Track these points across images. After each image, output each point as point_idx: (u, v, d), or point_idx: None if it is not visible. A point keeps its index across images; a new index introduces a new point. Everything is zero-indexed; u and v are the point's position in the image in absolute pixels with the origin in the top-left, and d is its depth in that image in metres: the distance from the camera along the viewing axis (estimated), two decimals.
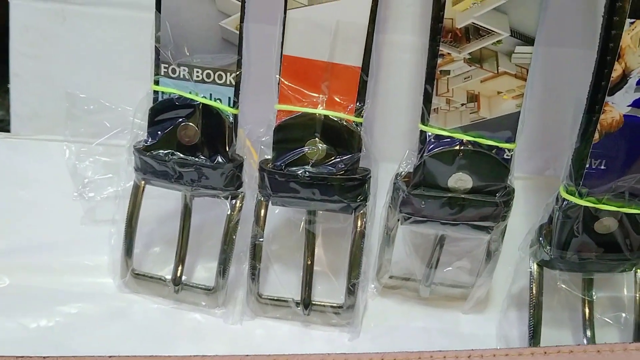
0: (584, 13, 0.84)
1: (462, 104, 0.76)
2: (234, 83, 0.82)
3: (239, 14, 0.79)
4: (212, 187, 0.85)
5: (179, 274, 0.89)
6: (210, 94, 0.83)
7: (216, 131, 0.83)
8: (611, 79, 0.69)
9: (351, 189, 0.81)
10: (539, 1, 0.71)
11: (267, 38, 0.81)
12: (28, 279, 0.90)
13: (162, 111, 0.84)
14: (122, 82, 0.96)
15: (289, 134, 0.81)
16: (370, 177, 0.82)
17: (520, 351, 0.69)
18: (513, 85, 0.75)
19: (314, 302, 0.87)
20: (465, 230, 0.81)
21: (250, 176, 0.86)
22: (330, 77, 0.79)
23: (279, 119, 0.81)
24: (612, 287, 0.87)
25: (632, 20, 0.67)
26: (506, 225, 0.81)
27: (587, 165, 0.74)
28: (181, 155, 0.84)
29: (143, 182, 0.87)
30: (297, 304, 0.87)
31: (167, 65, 0.83)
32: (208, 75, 0.82)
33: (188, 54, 0.82)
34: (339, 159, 0.81)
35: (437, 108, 0.77)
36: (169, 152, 0.84)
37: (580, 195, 0.75)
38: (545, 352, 0.69)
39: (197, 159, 0.84)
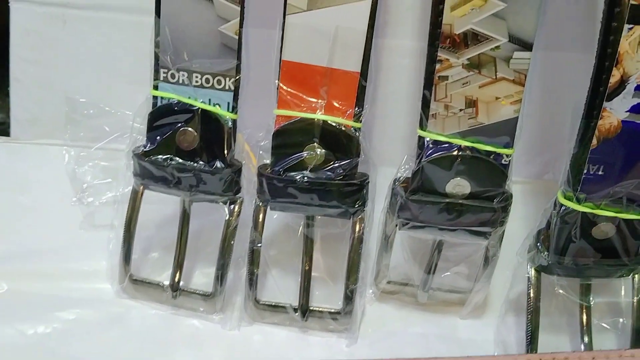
0: (583, 17, 0.84)
1: (461, 110, 0.76)
2: (233, 88, 0.82)
3: (238, 19, 0.79)
4: (211, 192, 0.85)
5: (177, 280, 0.89)
6: (209, 99, 0.83)
7: (215, 136, 0.83)
8: (609, 84, 0.70)
9: (349, 194, 0.81)
10: (537, 7, 0.72)
11: (266, 43, 0.81)
12: (26, 284, 0.90)
13: (161, 116, 0.84)
14: (121, 87, 0.97)
15: (288, 139, 0.81)
16: (368, 182, 0.82)
17: (516, 357, 0.69)
18: (511, 91, 0.75)
19: (311, 308, 0.87)
20: (463, 235, 0.81)
21: (249, 181, 0.86)
22: (329, 82, 0.80)
23: (278, 124, 0.81)
24: (609, 293, 0.86)
25: (631, 26, 0.67)
26: (504, 230, 0.81)
27: (585, 171, 0.74)
28: (180, 160, 0.84)
29: (142, 187, 0.87)
30: (295, 309, 0.87)
31: (166, 70, 0.83)
32: (207, 80, 0.82)
33: (187, 59, 0.82)
34: (337, 164, 0.81)
35: (436, 113, 0.77)
36: (168, 157, 0.84)
37: (578, 201, 0.75)
38: (541, 359, 0.69)
39: (195, 164, 0.84)
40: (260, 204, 0.84)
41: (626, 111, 0.71)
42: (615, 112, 0.71)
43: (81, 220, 0.96)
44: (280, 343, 0.87)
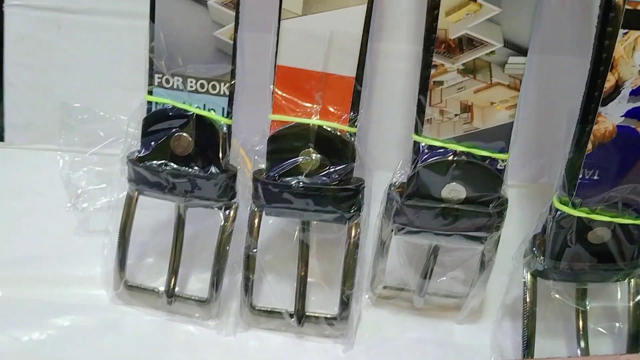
0: (578, 21, 0.84)
1: (456, 115, 0.76)
2: (227, 93, 0.82)
3: (233, 24, 0.79)
4: (206, 197, 0.85)
5: (172, 286, 0.89)
6: (204, 104, 0.83)
7: (210, 141, 0.83)
8: (604, 89, 0.70)
9: (345, 199, 0.81)
10: (532, 12, 0.72)
11: (261, 48, 0.81)
12: (20, 291, 0.90)
13: (155, 121, 0.84)
14: (116, 91, 0.97)
15: (283, 144, 0.81)
16: (364, 187, 0.82)
17: None
18: (506, 96, 0.75)
19: (307, 313, 0.87)
20: (459, 240, 0.81)
21: (244, 185, 0.86)
22: (324, 87, 0.80)
23: (273, 129, 0.81)
24: (606, 297, 0.86)
25: (625, 30, 0.67)
26: (500, 235, 0.81)
27: (581, 176, 0.74)
28: (175, 165, 0.84)
29: (136, 192, 0.87)
30: (291, 315, 0.87)
31: (160, 76, 0.83)
32: (202, 86, 0.82)
33: (182, 64, 0.82)
34: (332, 169, 0.81)
35: (431, 118, 0.77)
36: (163, 163, 0.84)
37: (574, 206, 0.75)
38: None
39: (190, 170, 0.84)
40: (256, 209, 0.84)
41: (621, 116, 0.71)
42: (610, 117, 0.71)
43: (76, 226, 0.95)
44: (276, 349, 0.87)
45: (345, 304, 0.84)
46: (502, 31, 0.72)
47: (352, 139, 0.80)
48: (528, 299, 0.81)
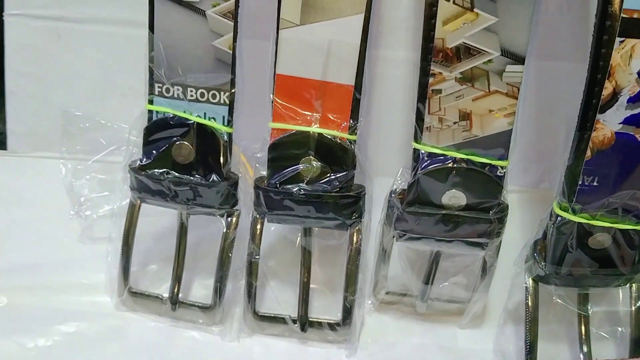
0: (576, 27, 0.84)
1: (455, 122, 0.76)
2: (227, 102, 0.82)
3: (232, 34, 0.79)
4: (208, 205, 0.85)
5: (175, 292, 0.89)
6: (205, 113, 0.83)
7: (211, 150, 0.83)
8: (602, 97, 0.70)
9: (346, 206, 0.81)
10: (528, 21, 0.72)
11: (260, 57, 0.81)
12: (25, 298, 0.90)
13: (156, 130, 0.84)
14: (117, 100, 0.97)
15: (284, 152, 0.81)
16: (364, 194, 0.83)
17: None
18: (504, 104, 0.75)
19: (310, 319, 0.87)
20: (460, 246, 0.81)
21: (246, 192, 0.86)
22: (323, 96, 0.80)
23: (273, 137, 0.81)
24: (608, 302, 0.86)
25: (622, 39, 0.67)
26: (501, 241, 0.81)
27: (580, 182, 0.74)
28: (176, 174, 0.84)
29: (139, 200, 0.87)
30: (294, 320, 0.87)
31: (161, 85, 0.83)
32: (202, 95, 0.82)
33: (182, 73, 0.82)
34: (333, 177, 0.81)
35: (430, 126, 0.77)
36: (164, 171, 0.84)
37: (574, 212, 0.75)
38: None
39: (192, 178, 0.84)
40: (258, 216, 0.85)
41: (619, 123, 0.71)
42: (608, 124, 0.71)
43: (79, 234, 0.96)
44: (279, 354, 0.87)
45: (348, 309, 0.85)
46: (499, 40, 0.72)
47: (352, 146, 0.80)
48: (530, 304, 0.81)
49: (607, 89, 0.69)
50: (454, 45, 0.73)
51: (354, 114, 0.80)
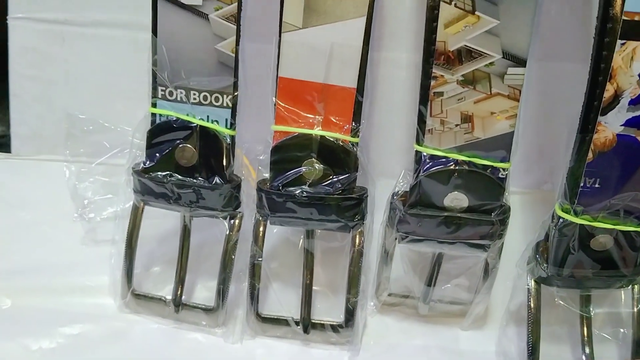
0: (578, 29, 0.84)
1: (456, 125, 0.77)
2: (230, 105, 0.82)
3: (234, 37, 0.80)
4: (211, 207, 0.85)
5: (179, 294, 0.90)
6: (208, 116, 0.83)
7: (214, 152, 0.84)
8: (603, 99, 0.70)
9: (348, 208, 0.82)
10: (529, 24, 0.72)
11: (263, 59, 0.82)
12: (29, 300, 0.91)
13: (160, 133, 0.84)
14: (121, 103, 0.97)
15: (286, 154, 0.82)
16: (367, 196, 0.83)
17: None
18: (506, 106, 0.75)
19: (313, 321, 0.87)
20: (462, 248, 0.81)
21: (249, 195, 0.87)
22: (325, 99, 0.80)
23: (276, 140, 0.82)
24: (610, 303, 0.86)
25: (623, 41, 0.67)
26: (503, 242, 0.81)
27: (582, 184, 0.74)
28: (179, 176, 0.84)
29: (142, 203, 0.88)
30: (297, 322, 0.87)
31: (164, 88, 0.83)
32: (205, 98, 0.83)
33: (185, 76, 0.82)
34: (335, 179, 0.81)
35: (432, 129, 0.77)
36: (168, 174, 0.84)
37: (576, 214, 0.75)
38: None
39: (195, 181, 0.84)
40: (260, 219, 0.85)
41: (621, 125, 0.71)
42: (610, 126, 0.71)
43: (83, 236, 0.96)
44: (282, 356, 0.87)
45: (350, 311, 0.85)
46: (501, 43, 0.72)
47: (355, 148, 0.81)
48: (532, 306, 0.81)
49: (609, 91, 0.69)
50: (455, 48, 0.73)
51: (356, 116, 0.80)
